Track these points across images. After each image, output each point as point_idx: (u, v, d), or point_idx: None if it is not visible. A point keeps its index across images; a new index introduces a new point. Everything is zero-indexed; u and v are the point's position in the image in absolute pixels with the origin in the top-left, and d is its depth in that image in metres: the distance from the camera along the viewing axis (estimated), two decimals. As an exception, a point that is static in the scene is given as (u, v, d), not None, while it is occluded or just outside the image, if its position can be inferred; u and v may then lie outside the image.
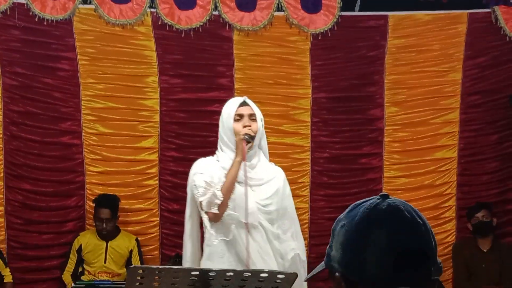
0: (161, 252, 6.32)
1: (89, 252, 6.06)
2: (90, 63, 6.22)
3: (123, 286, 5.46)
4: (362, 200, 1.55)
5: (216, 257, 3.71)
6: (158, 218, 6.31)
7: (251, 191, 3.81)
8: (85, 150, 6.25)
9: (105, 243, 6.06)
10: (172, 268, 3.12)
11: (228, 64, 6.36)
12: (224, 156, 3.82)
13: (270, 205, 3.84)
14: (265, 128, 6.35)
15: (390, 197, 1.52)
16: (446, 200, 6.52)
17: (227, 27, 6.28)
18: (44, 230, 6.25)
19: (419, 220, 1.49)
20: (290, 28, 6.37)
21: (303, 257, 3.92)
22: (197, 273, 3.00)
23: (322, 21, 6.32)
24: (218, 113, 4.09)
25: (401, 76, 6.50)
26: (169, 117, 6.34)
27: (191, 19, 6.21)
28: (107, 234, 6.05)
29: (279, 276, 3.01)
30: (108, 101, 6.27)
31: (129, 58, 6.25)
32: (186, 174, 4.05)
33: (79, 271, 6.10)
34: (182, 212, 4.12)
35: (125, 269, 5.94)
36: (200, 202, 3.73)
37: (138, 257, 6.10)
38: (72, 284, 5.88)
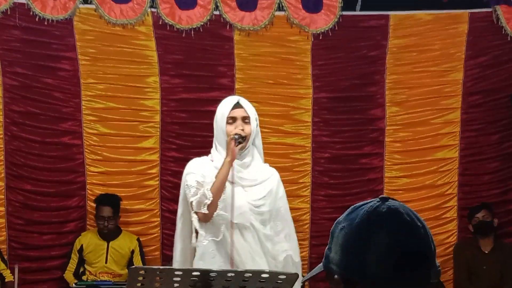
0: (162, 253, 6.32)
1: (90, 252, 6.05)
2: (90, 63, 6.22)
3: (124, 286, 5.46)
4: (361, 203, 1.55)
5: (208, 257, 3.69)
6: (159, 219, 6.30)
7: (243, 192, 3.79)
8: (86, 150, 6.24)
9: (106, 243, 6.06)
10: (173, 268, 3.12)
11: (229, 64, 6.35)
12: (218, 156, 3.80)
13: (263, 206, 3.81)
14: (266, 128, 6.40)
15: (389, 199, 1.52)
16: (447, 200, 6.52)
17: (227, 27, 6.28)
18: (45, 231, 6.25)
19: (418, 223, 1.49)
20: (291, 28, 6.36)
21: (296, 258, 3.88)
22: (198, 273, 3.00)
23: (323, 21, 6.32)
24: (219, 113, 4.07)
25: (402, 76, 6.50)
26: (169, 117, 6.34)
27: (192, 19, 6.20)
28: (109, 234, 6.05)
29: (280, 276, 3.00)
30: (109, 101, 6.27)
31: (129, 58, 6.24)
32: (187, 174, 4.03)
33: (81, 271, 6.10)
34: (183, 212, 4.12)
35: (126, 270, 5.93)
36: (191, 202, 3.71)
37: (139, 257, 6.09)
38: (74, 283, 5.88)
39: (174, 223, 6.17)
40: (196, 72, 6.35)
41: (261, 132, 6.24)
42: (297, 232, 6.28)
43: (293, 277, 2.96)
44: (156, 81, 6.30)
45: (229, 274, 3.02)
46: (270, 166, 4.05)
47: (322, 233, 6.11)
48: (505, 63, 6.45)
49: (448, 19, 6.46)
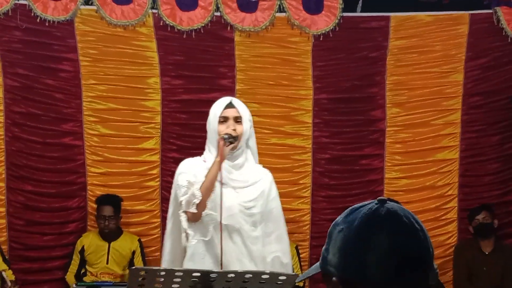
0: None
1: (92, 253, 6.06)
2: (91, 64, 6.22)
3: (125, 287, 5.46)
4: (359, 205, 1.55)
5: (198, 258, 3.68)
6: (159, 219, 6.30)
7: (234, 193, 3.77)
8: (87, 151, 6.25)
9: (107, 244, 6.06)
10: (173, 269, 3.12)
11: (230, 65, 6.36)
12: (210, 156, 3.78)
13: (254, 207, 3.79)
14: (266, 129, 6.41)
15: (387, 201, 1.52)
16: (447, 201, 6.52)
17: (228, 28, 6.29)
18: (46, 231, 6.25)
19: (417, 226, 1.49)
20: (292, 29, 6.37)
21: (285, 259, 3.84)
22: (199, 274, 3.01)
23: (324, 22, 6.32)
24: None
25: (403, 77, 6.50)
26: (170, 118, 6.34)
27: (193, 20, 6.21)
28: (110, 234, 6.05)
29: (280, 277, 3.01)
30: (110, 102, 6.27)
31: (130, 59, 6.25)
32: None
33: (82, 272, 6.10)
34: (184, 213, 4.12)
35: (127, 270, 5.93)
36: (181, 202, 3.70)
37: (140, 258, 6.08)
38: (74, 285, 5.88)
39: (174, 224, 6.21)
40: (197, 73, 6.36)
41: (262, 133, 6.35)
42: (297, 233, 6.39)
43: (293, 278, 2.96)
44: (157, 82, 6.30)
45: (230, 275, 3.03)
46: (264, 167, 4.02)
47: (322, 234, 6.09)
48: (506, 64, 6.45)
49: (449, 21, 6.46)
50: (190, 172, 3.75)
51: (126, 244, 6.11)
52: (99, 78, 6.24)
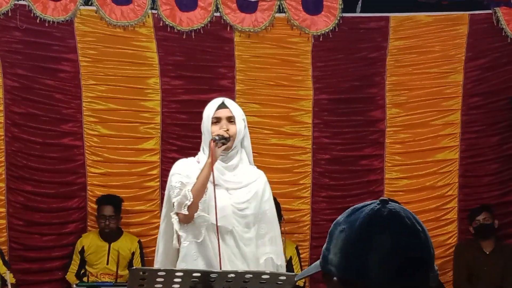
0: (163, 254, 6.31)
1: (92, 253, 6.06)
2: (91, 64, 6.22)
3: (125, 287, 5.46)
4: (361, 205, 1.54)
5: (191, 259, 3.66)
6: (159, 220, 6.29)
7: (227, 194, 3.74)
8: (87, 151, 6.25)
9: (107, 245, 6.06)
10: (173, 270, 3.13)
11: (229, 66, 6.36)
12: (204, 157, 3.75)
13: (247, 209, 3.75)
14: (266, 129, 6.41)
15: (389, 202, 1.52)
16: (447, 201, 6.52)
17: (228, 29, 6.29)
18: (45, 232, 6.25)
19: (418, 227, 1.49)
20: (291, 30, 6.37)
21: (278, 261, 3.81)
22: (199, 274, 3.01)
23: (323, 23, 6.33)
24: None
25: (402, 78, 6.50)
26: (170, 118, 6.34)
27: (192, 20, 6.21)
28: (110, 235, 6.05)
29: (281, 277, 3.01)
30: (110, 102, 6.28)
31: (130, 59, 6.25)
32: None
33: (82, 272, 6.10)
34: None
35: (127, 271, 5.93)
36: (173, 203, 3.69)
37: (140, 259, 6.09)
38: (75, 285, 5.88)
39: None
40: (196, 74, 6.36)
41: (262, 133, 6.36)
42: (297, 233, 6.40)
43: (293, 279, 2.96)
44: (156, 82, 6.30)
45: (230, 275, 3.03)
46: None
47: (322, 235, 6.10)
48: (505, 65, 6.46)
49: (448, 21, 6.47)
50: (184, 173, 3.73)
51: (126, 244, 6.11)
52: (99, 79, 6.24)
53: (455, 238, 6.50)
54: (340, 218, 1.55)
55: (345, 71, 6.49)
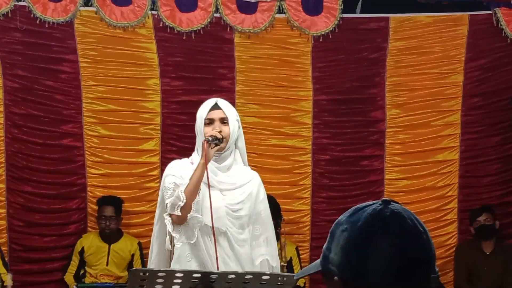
0: (163, 255, 6.31)
1: (91, 254, 6.06)
2: (91, 65, 6.22)
3: (125, 288, 5.46)
4: (363, 204, 1.54)
5: (184, 260, 3.65)
6: (159, 221, 6.30)
7: (221, 195, 3.73)
8: (87, 152, 6.25)
9: (107, 246, 6.06)
10: (173, 270, 3.12)
11: (229, 66, 6.36)
12: (198, 158, 3.75)
13: (241, 210, 3.73)
14: (266, 130, 6.41)
15: (392, 203, 1.52)
16: (447, 202, 6.52)
17: (228, 29, 6.29)
18: (45, 233, 6.25)
19: (420, 229, 1.49)
20: (291, 30, 6.37)
21: (273, 262, 3.79)
22: (199, 275, 3.01)
23: (323, 23, 6.33)
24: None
25: (403, 78, 6.50)
26: (170, 119, 6.34)
27: (192, 21, 6.21)
28: (110, 236, 6.05)
29: (281, 278, 3.01)
30: (110, 103, 6.28)
31: (130, 60, 6.25)
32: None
33: (81, 273, 6.10)
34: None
35: (126, 272, 5.93)
36: (166, 204, 3.67)
37: (140, 261, 6.09)
38: (74, 285, 5.88)
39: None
40: (196, 74, 6.36)
41: (262, 134, 6.36)
42: (297, 234, 6.39)
43: (293, 279, 2.96)
44: (156, 83, 6.30)
45: (230, 276, 3.03)
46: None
47: (323, 235, 6.10)
48: (505, 65, 6.46)
49: (448, 22, 6.47)
50: (178, 174, 3.72)
51: (126, 246, 6.11)
52: (99, 80, 6.25)
53: (455, 239, 6.50)
54: (342, 217, 1.55)
55: (345, 71, 6.49)
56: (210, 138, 3.63)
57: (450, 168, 6.51)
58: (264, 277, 3.05)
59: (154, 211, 6.23)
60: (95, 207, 6.15)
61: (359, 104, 6.52)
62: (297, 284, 5.81)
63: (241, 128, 3.84)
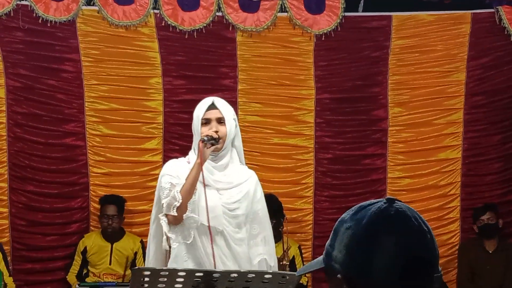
0: (165, 254, 6.32)
1: (94, 253, 6.06)
2: (93, 64, 6.23)
3: (127, 287, 5.46)
4: (367, 203, 1.54)
5: (181, 260, 3.64)
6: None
7: (218, 195, 3.72)
8: (89, 151, 6.25)
9: (110, 245, 6.07)
10: (176, 269, 3.12)
11: (232, 65, 6.36)
12: (194, 158, 3.74)
13: (238, 209, 3.72)
14: (269, 129, 6.41)
15: (396, 201, 1.52)
16: (450, 200, 6.52)
17: (230, 28, 6.29)
18: (48, 232, 6.26)
19: (424, 228, 1.49)
20: (294, 29, 6.37)
21: (271, 262, 3.79)
22: (201, 274, 3.01)
23: (326, 22, 6.32)
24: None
25: (405, 77, 6.50)
26: (172, 118, 6.34)
27: (195, 20, 6.21)
28: (112, 235, 6.06)
29: (283, 277, 3.01)
30: (112, 102, 6.28)
31: (132, 59, 6.25)
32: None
33: (84, 272, 6.11)
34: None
35: (129, 271, 5.93)
36: (162, 204, 3.66)
37: (142, 259, 6.09)
38: (77, 285, 5.88)
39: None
40: (198, 73, 6.36)
41: (264, 132, 6.36)
42: (300, 233, 6.39)
43: (296, 278, 2.96)
44: (159, 82, 6.30)
45: (232, 275, 3.03)
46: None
47: (325, 234, 6.10)
48: (508, 63, 6.45)
49: (451, 20, 6.46)
50: (174, 174, 3.71)
51: (128, 245, 6.11)
52: (101, 79, 6.25)
53: (458, 237, 6.49)
54: (346, 215, 1.55)
55: (347, 70, 6.49)
56: (205, 138, 3.62)
57: (452, 166, 6.51)
58: (266, 276, 3.05)
59: (157, 210, 6.31)
60: (98, 206, 6.16)
61: (362, 102, 6.51)
62: (300, 282, 5.81)
63: (238, 127, 3.83)
